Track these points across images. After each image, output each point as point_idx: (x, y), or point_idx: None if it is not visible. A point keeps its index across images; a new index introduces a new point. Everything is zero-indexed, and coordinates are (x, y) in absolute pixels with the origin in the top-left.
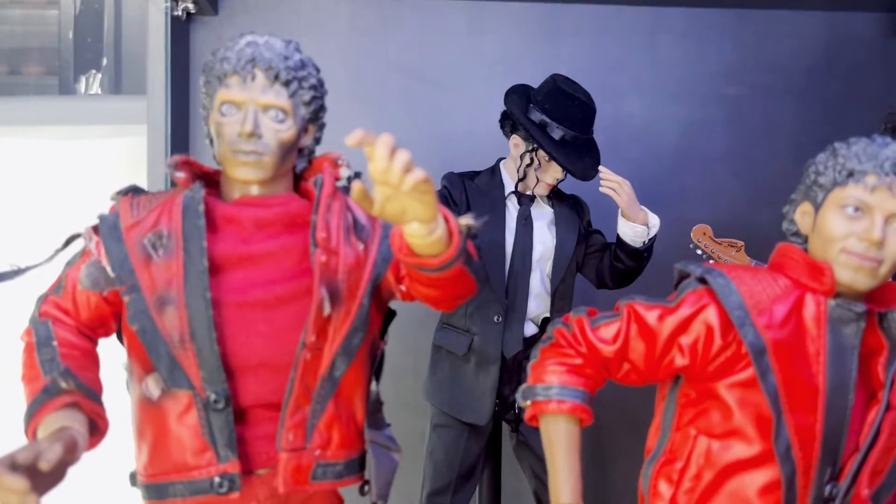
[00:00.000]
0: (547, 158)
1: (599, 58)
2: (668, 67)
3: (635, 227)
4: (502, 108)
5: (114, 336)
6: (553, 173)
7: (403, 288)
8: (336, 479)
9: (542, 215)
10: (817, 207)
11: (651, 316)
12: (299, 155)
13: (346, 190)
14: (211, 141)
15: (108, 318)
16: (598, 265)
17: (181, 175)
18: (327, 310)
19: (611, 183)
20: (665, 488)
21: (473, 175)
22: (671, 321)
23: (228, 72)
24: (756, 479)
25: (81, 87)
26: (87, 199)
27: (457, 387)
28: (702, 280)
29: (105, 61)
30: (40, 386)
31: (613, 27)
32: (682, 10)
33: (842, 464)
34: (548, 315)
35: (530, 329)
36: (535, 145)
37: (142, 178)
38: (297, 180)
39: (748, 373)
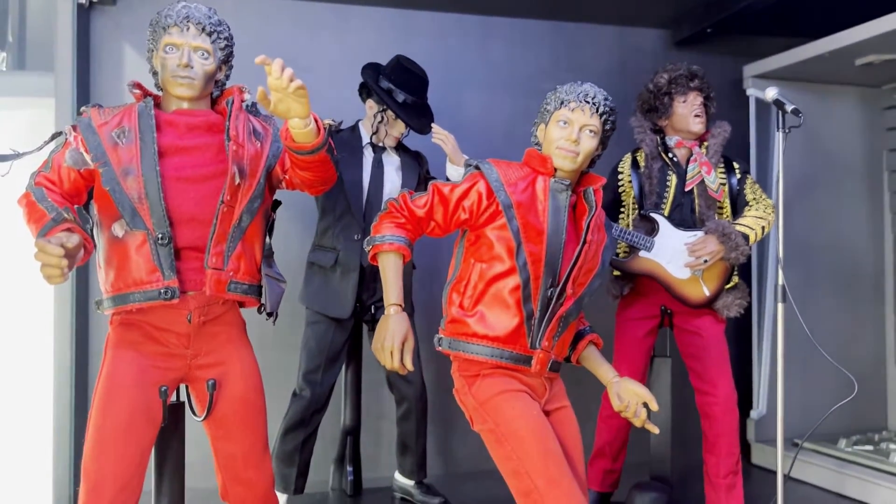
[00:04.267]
0: (394, 117)
1: (443, 56)
2: (497, 66)
3: (458, 169)
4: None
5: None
6: (398, 128)
7: (287, 177)
8: (242, 294)
9: (391, 162)
10: (546, 125)
11: (446, 189)
12: (215, 85)
13: (248, 108)
14: (154, 73)
15: (82, 190)
16: None
17: (137, 92)
18: (237, 180)
19: (440, 136)
20: (455, 297)
21: (339, 131)
22: (458, 192)
23: (170, 24)
24: (508, 284)
25: None
26: None
27: (326, 291)
28: (476, 167)
29: (10, 40)
30: (48, 218)
31: (454, 31)
32: (509, 20)
33: (559, 276)
34: None
35: None
36: (385, 107)
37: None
38: (213, 104)
39: (502, 220)
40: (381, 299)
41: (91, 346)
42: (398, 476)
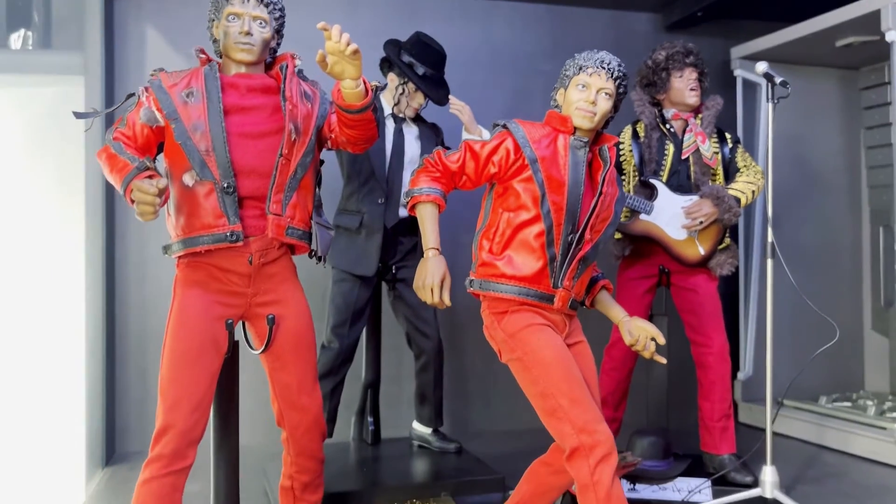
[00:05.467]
0: (414, 89)
1: (448, 38)
2: (499, 47)
3: (474, 138)
4: (374, 71)
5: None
6: (418, 100)
7: (333, 136)
8: (298, 239)
9: (411, 132)
10: (565, 89)
11: (476, 146)
12: (270, 52)
13: (297, 73)
14: (215, 41)
15: (153, 145)
16: None
17: (203, 57)
18: (293, 136)
19: (457, 106)
20: (485, 243)
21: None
22: (487, 148)
23: None
24: (533, 230)
25: (12, 42)
26: (26, 132)
27: (352, 251)
28: (504, 126)
29: (35, 19)
30: (131, 167)
31: (458, 14)
32: (510, 3)
33: (578, 223)
34: None
35: (402, 212)
36: (406, 79)
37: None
38: (266, 69)
39: (527, 173)
40: (402, 260)
41: (118, 303)
42: (416, 425)
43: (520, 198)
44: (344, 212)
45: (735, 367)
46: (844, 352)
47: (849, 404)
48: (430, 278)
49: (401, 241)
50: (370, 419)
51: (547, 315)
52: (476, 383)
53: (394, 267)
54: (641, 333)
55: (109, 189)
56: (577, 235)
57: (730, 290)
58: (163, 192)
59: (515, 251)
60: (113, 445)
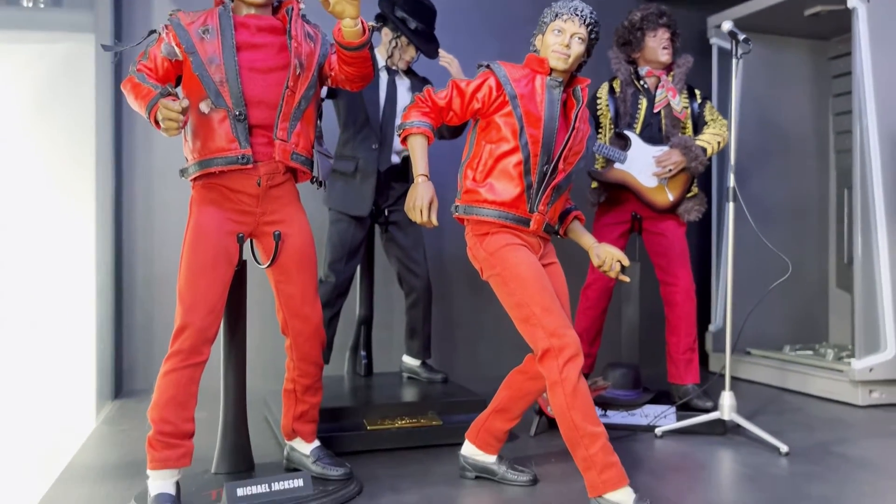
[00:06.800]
0: (407, 43)
1: (440, 3)
2: (489, 13)
3: None
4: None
5: None
6: (410, 53)
7: (332, 73)
8: (301, 164)
9: (403, 83)
10: (543, 35)
11: (462, 84)
12: None
13: (302, 17)
14: None
15: (171, 77)
16: None
17: None
18: (298, 71)
19: (446, 59)
20: (469, 172)
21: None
22: (472, 86)
23: None
24: (512, 160)
25: (24, 0)
26: (38, 87)
27: (348, 193)
28: (488, 66)
29: None
30: (154, 93)
31: None
32: None
33: (552, 155)
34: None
35: (395, 159)
36: (399, 33)
37: (84, 74)
38: (273, 12)
39: (508, 109)
40: (394, 204)
41: (126, 252)
42: (406, 358)
43: (501, 131)
44: (340, 157)
45: (706, 319)
46: (811, 307)
47: (810, 352)
48: (420, 200)
49: (392, 186)
50: (363, 353)
51: (524, 237)
52: (463, 331)
53: (386, 210)
54: (608, 256)
55: (118, 142)
56: (552, 166)
57: (703, 248)
58: (185, 111)
59: (496, 179)
60: (121, 383)
